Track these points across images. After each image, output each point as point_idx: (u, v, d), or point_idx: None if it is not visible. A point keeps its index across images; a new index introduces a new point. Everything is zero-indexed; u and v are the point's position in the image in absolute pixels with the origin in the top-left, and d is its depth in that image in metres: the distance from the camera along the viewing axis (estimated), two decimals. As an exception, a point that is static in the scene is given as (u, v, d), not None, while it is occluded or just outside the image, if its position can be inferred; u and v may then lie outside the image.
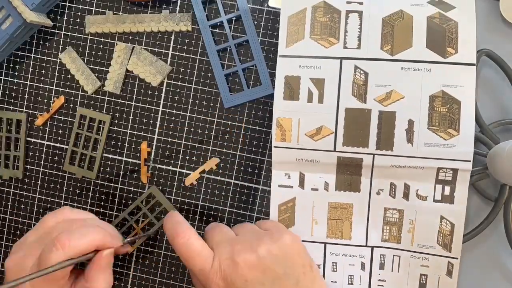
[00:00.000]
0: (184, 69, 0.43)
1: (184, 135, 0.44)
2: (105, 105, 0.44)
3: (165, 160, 0.44)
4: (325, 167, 0.41)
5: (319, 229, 0.42)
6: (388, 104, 0.39)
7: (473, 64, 0.39)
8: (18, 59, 0.45)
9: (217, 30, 0.43)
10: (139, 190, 0.44)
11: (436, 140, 0.39)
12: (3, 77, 0.45)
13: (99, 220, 0.40)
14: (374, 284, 0.42)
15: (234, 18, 0.42)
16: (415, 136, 0.39)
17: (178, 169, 0.44)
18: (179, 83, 0.43)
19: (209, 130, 0.44)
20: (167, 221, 0.38)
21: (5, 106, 0.45)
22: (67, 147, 0.45)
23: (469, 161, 0.39)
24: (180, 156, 0.44)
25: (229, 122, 0.43)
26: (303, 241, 0.41)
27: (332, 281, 0.42)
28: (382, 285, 0.42)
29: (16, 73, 0.45)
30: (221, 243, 0.37)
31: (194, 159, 0.44)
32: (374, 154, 0.40)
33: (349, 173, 0.41)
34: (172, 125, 0.44)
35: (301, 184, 0.41)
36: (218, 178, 0.44)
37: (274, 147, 0.41)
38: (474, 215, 0.41)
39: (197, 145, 0.44)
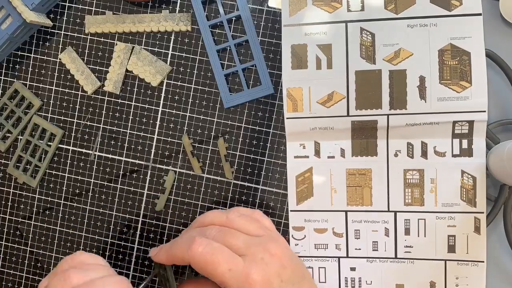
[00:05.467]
0: (184, 69, 0.43)
1: (184, 135, 0.44)
2: (105, 105, 0.44)
3: (165, 160, 0.44)
4: (340, 134, 0.41)
5: (338, 197, 0.41)
6: (398, 63, 0.39)
7: (479, 14, 0.39)
8: (18, 59, 0.45)
9: (217, 30, 0.43)
10: (142, 190, 0.44)
11: (449, 93, 0.39)
12: (3, 77, 0.45)
13: (111, 269, 0.37)
14: (400, 251, 0.41)
15: (234, 18, 0.42)
16: (428, 92, 0.39)
17: (178, 169, 0.44)
18: (179, 83, 0.43)
19: (209, 130, 0.43)
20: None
21: (5, 106, 0.45)
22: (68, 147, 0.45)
23: (484, 111, 0.39)
24: (180, 156, 0.44)
25: (229, 122, 0.43)
26: (321, 211, 0.42)
27: (356, 249, 0.41)
28: (410, 251, 0.41)
29: (16, 73, 0.45)
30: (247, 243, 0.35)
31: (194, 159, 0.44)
32: (388, 115, 0.40)
33: (364, 137, 0.40)
34: (172, 125, 0.44)
35: (317, 153, 0.41)
36: (218, 178, 0.44)
37: (287, 118, 0.40)
38: (474, 215, 0.41)
39: (197, 145, 0.44)
